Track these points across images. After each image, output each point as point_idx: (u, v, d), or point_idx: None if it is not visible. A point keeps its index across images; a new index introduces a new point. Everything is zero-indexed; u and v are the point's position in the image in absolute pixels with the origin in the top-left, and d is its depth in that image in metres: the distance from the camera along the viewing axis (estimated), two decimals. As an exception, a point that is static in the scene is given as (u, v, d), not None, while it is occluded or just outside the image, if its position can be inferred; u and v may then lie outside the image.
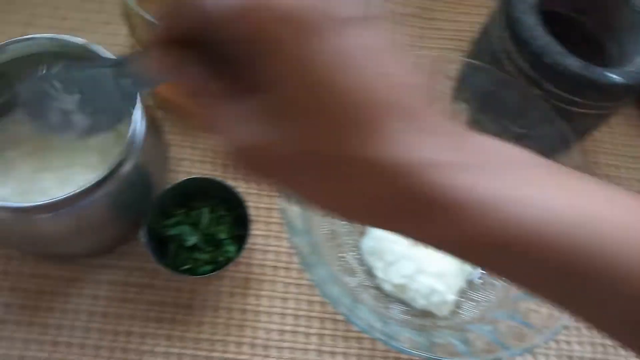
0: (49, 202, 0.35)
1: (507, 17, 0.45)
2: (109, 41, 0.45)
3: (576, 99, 0.44)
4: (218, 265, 0.43)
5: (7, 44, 0.39)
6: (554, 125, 0.44)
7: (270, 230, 0.48)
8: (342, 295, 0.40)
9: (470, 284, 0.46)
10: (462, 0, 0.61)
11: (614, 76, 0.42)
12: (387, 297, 0.45)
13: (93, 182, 0.36)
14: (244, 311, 0.45)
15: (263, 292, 0.46)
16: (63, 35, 0.40)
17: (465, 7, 0.61)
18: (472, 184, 0.19)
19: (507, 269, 0.21)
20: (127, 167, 0.38)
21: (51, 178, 0.44)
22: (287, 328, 0.45)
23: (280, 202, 0.39)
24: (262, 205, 0.49)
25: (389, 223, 0.21)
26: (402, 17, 0.59)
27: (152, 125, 0.46)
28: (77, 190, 0.35)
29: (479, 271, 0.47)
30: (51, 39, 0.40)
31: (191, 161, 0.50)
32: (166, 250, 0.44)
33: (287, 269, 0.47)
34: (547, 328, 0.38)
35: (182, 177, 0.48)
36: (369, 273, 0.46)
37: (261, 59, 0.19)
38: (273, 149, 0.20)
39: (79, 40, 0.40)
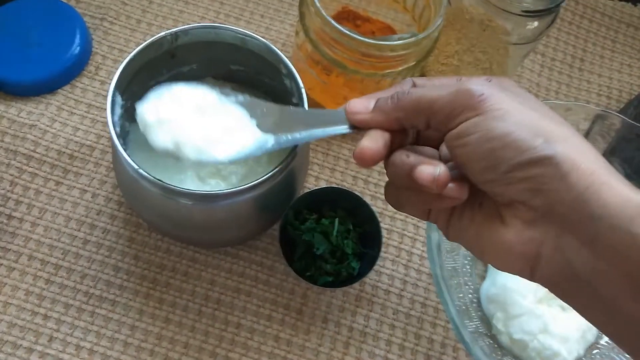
0: (201, 193, 0.36)
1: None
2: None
3: None
4: (338, 278, 0.43)
5: (191, 29, 0.40)
6: None
7: (388, 253, 0.47)
8: (467, 334, 0.39)
9: (589, 352, 0.44)
10: (615, 56, 0.59)
11: None
12: (502, 350, 0.44)
13: (255, 182, 0.36)
14: (351, 329, 0.44)
15: (373, 314, 0.45)
16: (244, 30, 0.41)
17: (618, 64, 0.58)
18: None
19: None
20: (282, 172, 0.38)
21: (190, 164, 0.45)
22: (392, 357, 0.43)
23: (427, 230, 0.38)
24: (385, 226, 0.48)
25: None
26: (552, 62, 0.57)
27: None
28: (235, 189, 0.36)
29: (599, 340, 0.44)
30: (234, 31, 0.41)
31: (321, 167, 0.49)
32: (293, 252, 0.43)
33: (399, 295, 0.46)
34: None
35: (311, 181, 0.48)
36: (486, 321, 0.45)
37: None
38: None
39: (260, 39, 0.40)
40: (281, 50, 0.40)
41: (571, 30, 0.59)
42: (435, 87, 0.27)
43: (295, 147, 0.37)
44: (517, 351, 0.43)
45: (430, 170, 0.25)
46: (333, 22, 0.41)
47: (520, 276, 0.27)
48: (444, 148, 0.29)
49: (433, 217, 0.29)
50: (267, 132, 0.31)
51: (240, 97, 0.33)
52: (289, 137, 0.30)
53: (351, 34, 0.41)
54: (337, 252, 0.43)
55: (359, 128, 0.29)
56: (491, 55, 0.51)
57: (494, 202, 0.26)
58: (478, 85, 0.25)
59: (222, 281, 0.44)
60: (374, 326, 0.44)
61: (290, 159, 0.37)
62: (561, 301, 0.44)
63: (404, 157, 0.27)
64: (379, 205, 0.48)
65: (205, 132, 0.32)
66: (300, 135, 0.30)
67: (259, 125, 0.32)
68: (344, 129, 0.29)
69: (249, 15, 0.56)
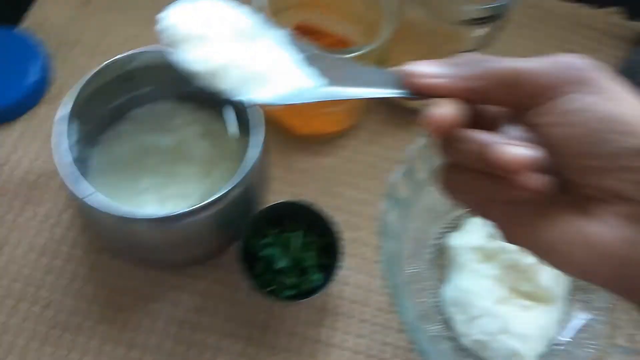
0: (156, 217, 0.36)
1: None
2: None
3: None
4: (300, 291, 0.43)
5: (145, 51, 0.41)
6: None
7: (352, 263, 0.48)
8: (425, 340, 0.39)
9: (553, 351, 0.45)
10: (594, 51, 0.60)
11: None
12: (464, 351, 0.44)
13: (205, 203, 0.36)
14: (317, 341, 0.44)
15: (338, 325, 0.45)
16: None
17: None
18: None
19: None
20: (239, 189, 0.38)
21: (151, 185, 0.45)
22: (359, 366, 0.44)
23: (378, 236, 0.39)
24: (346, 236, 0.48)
25: None
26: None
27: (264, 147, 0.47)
28: (190, 209, 0.36)
29: (562, 337, 0.45)
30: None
31: (291, 183, 0.50)
32: (253, 268, 0.44)
33: (364, 304, 0.46)
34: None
35: (273, 196, 0.49)
36: (447, 324, 0.45)
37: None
38: None
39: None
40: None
41: (528, 33, 0.60)
42: (516, 60, 0.23)
43: (253, 164, 0.37)
44: (478, 352, 0.43)
45: (519, 151, 0.21)
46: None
47: (599, 284, 0.23)
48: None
49: (491, 211, 0.25)
50: (315, 79, 0.26)
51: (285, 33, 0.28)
52: (339, 90, 0.26)
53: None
54: (298, 266, 0.44)
55: (420, 96, 0.25)
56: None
57: (578, 194, 0.22)
58: (582, 59, 0.22)
59: (186, 301, 0.45)
60: (339, 336, 0.45)
61: (246, 176, 0.38)
62: (522, 300, 0.45)
63: (476, 133, 0.23)
64: (341, 216, 0.49)
65: (249, 62, 0.27)
66: (352, 91, 0.26)
67: (304, 69, 0.27)
68: (403, 93, 0.25)
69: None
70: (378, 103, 0.55)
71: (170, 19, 0.27)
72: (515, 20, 0.60)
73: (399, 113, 0.54)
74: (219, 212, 0.39)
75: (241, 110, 0.43)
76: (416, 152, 0.43)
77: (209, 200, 0.37)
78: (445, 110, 0.23)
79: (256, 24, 0.28)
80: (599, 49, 0.60)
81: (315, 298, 0.46)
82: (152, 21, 0.27)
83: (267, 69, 0.27)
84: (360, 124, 0.53)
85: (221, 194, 0.37)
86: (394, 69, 0.26)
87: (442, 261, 0.48)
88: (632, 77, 0.44)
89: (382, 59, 0.45)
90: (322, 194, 0.50)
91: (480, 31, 0.46)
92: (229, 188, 0.37)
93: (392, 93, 0.26)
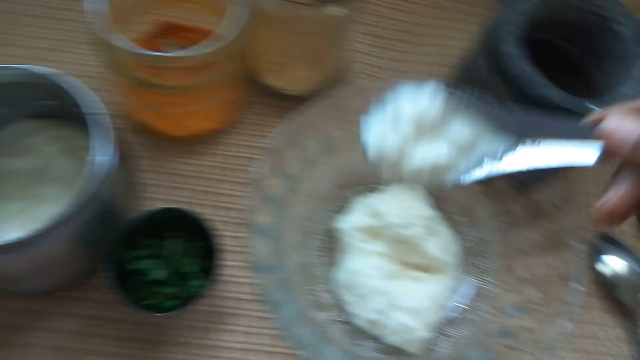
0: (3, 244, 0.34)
1: (490, 48, 0.44)
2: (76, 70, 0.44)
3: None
4: (182, 299, 0.42)
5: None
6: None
7: (234, 261, 0.46)
8: (309, 334, 0.39)
9: (448, 319, 0.45)
10: (448, 24, 0.60)
11: (592, 107, 0.41)
12: (359, 333, 0.44)
13: (52, 222, 0.34)
14: (202, 346, 0.43)
15: (225, 327, 0.44)
16: (37, 66, 0.39)
17: (452, 31, 0.59)
18: None
19: None
20: (91, 202, 0.36)
21: (9, 210, 0.43)
22: (250, 365, 0.43)
23: (247, 237, 0.38)
24: (228, 234, 0.47)
25: None
26: (390, 42, 0.58)
27: (122, 153, 0.44)
28: (34, 232, 0.34)
29: (457, 306, 0.45)
30: (24, 69, 0.39)
31: (168, 188, 0.48)
32: (128, 282, 0.42)
33: (250, 301, 0.45)
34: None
35: (158, 204, 0.47)
36: (341, 307, 0.45)
37: None
38: None
39: (50, 70, 0.39)
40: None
41: (399, 6, 0.60)
42: None
43: (100, 177, 0.36)
44: (372, 331, 0.43)
45: None
46: (130, 46, 0.39)
47: None
48: None
49: None
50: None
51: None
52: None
53: (148, 53, 0.40)
54: (178, 274, 0.42)
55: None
56: (316, 46, 0.51)
57: None
58: None
59: (68, 328, 0.42)
60: (226, 338, 0.44)
61: (96, 190, 0.36)
62: (413, 272, 0.45)
63: None
64: (220, 214, 0.48)
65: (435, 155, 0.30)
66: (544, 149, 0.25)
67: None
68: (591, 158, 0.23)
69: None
70: (259, 94, 0.53)
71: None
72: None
73: (282, 102, 0.53)
74: (75, 228, 0.37)
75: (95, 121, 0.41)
76: (283, 139, 0.42)
77: (58, 218, 0.35)
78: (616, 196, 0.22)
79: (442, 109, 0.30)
80: (475, 11, 0.60)
81: (199, 304, 0.45)
82: None
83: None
84: (242, 118, 0.52)
85: (69, 209, 0.35)
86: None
87: (332, 245, 0.47)
88: (506, 31, 0.44)
89: (241, 52, 0.44)
90: (202, 194, 0.48)
91: (338, 10, 0.45)
92: (77, 201, 0.35)
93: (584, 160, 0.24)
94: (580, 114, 0.40)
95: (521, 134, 0.26)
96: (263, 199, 0.40)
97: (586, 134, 0.24)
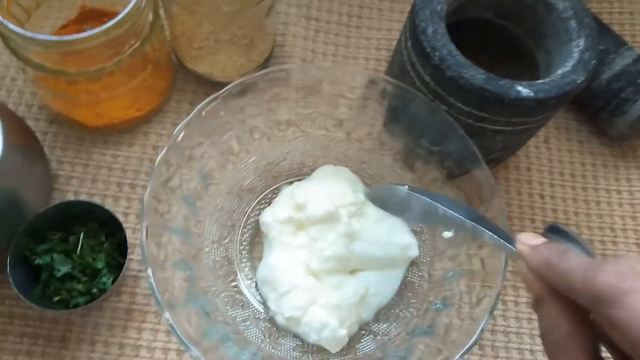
0: None
1: (411, 25, 0.41)
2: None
3: (483, 114, 0.40)
4: (94, 295, 0.40)
5: None
6: (462, 140, 0.40)
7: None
8: (213, 332, 0.37)
9: (376, 315, 0.43)
10: (394, 6, 0.57)
11: (521, 89, 0.38)
12: (280, 331, 0.42)
13: None
14: (122, 345, 0.41)
15: (146, 325, 0.42)
16: None
17: (398, 14, 0.57)
18: None
19: None
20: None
21: None
22: (169, 364, 0.41)
23: (144, 231, 0.35)
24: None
25: None
26: (328, 25, 0.56)
27: (28, 144, 0.43)
28: None
29: (383, 301, 0.43)
30: None
31: (81, 179, 0.46)
32: (36, 278, 0.40)
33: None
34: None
35: (70, 197, 0.45)
36: (264, 305, 0.43)
37: None
38: None
39: None
40: None
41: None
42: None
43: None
44: (292, 329, 0.41)
45: None
46: (25, 32, 0.37)
47: None
48: None
49: None
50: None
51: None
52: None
53: (38, 37, 0.37)
54: (88, 269, 0.40)
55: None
56: (248, 30, 0.48)
57: None
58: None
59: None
60: (148, 337, 0.42)
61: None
62: (339, 269, 0.43)
63: None
64: (135, 207, 0.46)
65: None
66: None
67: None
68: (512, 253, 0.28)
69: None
70: (186, 81, 0.51)
71: None
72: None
73: (211, 89, 0.50)
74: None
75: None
76: (193, 128, 0.40)
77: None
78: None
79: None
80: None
81: (120, 300, 0.43)
82: None
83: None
84: (166, 106, 0.50)
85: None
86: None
87: (260, 239, 0.45)
88: (426, 7, 0.41)
89: (145, 33, 0.42)
90: (117, 186, 0.46)
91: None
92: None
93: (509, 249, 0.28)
94: (501, 96, 0.38)
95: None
96: (169, 191, 0.38)
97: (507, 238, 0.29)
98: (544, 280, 0.25)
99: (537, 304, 0.26)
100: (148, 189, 0.36)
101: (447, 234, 0.42)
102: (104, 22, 0.50)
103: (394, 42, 0.55)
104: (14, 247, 0.39)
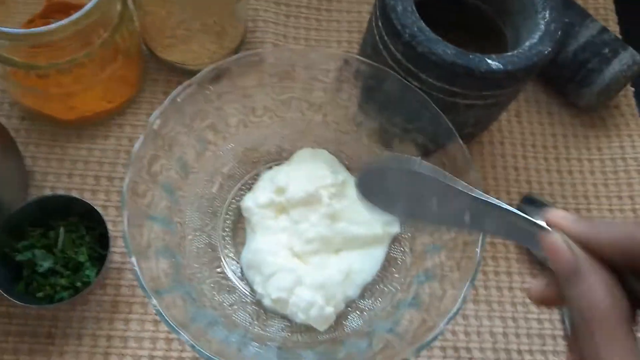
0: None
1: (381, 5, 0.42)
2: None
3: (455, 89, 0.41)
4: (77, 289, 0.40)
5: None
6: (434, 116, 0.41)
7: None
8: (200, 316, 0.37)
9: (361, 292, 0.43)
10: None
11: (492, 62, 0.39)
12: (268, 314, 0.42)
13: None
14: (110, 337, 0.41)
15: (132, 316, 0.42)
16: None
17: (367, -4, 0.57)
18: None
19: None
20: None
21: None
22: (158, 353, 0.41)
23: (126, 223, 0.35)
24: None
25: None
26: (298, 10, 0.56)
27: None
28: None
29: (367, 277, 0.44)
30: None
31: (57, 175, 0.46)
32: (18, 274, 0.40)
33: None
34: (419, 341, 0.35)
35: (47, 193, 0.45)
36: (250, 288, 0.43)
37: None
38: None
39: None
40: None
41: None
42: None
43: None
44: (280, 310, 0.41)
45: None
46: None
47: None
48: None
49: None
50: None
51: None
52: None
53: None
54: (70, 263, 0.40)
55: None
56: (219, 17, 0.48)
57: None
58: None
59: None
60: (135, 328, 0.42)
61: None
62: (323, 249, 0.43)
63: None
64: (113, 199, 0.45)
65: None
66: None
67: None
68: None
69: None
70: (158, 71, 0.51)
71: None
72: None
73: (184, 78, 0.50)
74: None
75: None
76: (167, 117, 0.40)
77: None
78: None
79: None
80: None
81: (105, 293, 0.43)
82: None
83: None
84: (138, 98, 0.49)
85: None
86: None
87: (242, 225, 0.46)
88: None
89: (114, 23, 0.41)
90: (94, 179, 0.46)
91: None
92: None
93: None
94: (472, 69, 0.39)
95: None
96: (148, 180, 0.38)
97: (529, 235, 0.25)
98: (589, 246, 0.24)
99: (569, 282, 0.24)
100: (127, 179, 0.36)
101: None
102: (71, 15, 0.50)
103: (365, 24, 0.55)
104: (-7, 245, 0.39)
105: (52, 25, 0.37)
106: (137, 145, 0.37)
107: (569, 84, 0.52)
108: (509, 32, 0.47)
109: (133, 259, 0.34)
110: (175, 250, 0.40)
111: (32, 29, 0.37)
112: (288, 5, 0.56)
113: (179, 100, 0.39)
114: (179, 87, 0.39)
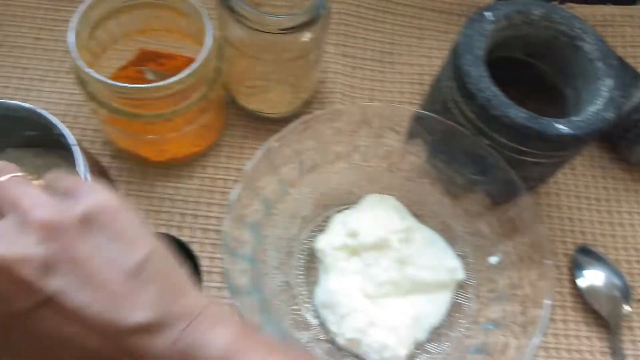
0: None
1: (454, 68, 0.45)
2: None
3: (525, 149, 0.44)
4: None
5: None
6: (504, 172, 0.44)
7: (212, 282, 0.47)
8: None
9: (427, 335, 0.46)
10: (422, 43, 0.61)
11: (561, 127, 0.42)
12: (341, 352, 0.45)
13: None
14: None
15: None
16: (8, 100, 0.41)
17: (426, 50, 0.61)
18: None
19: None
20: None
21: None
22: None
23: (225, 262, 0.39)
24: (206, 255, 0.48)
25: None
26: (363, 62, 0.60)
27: (101, 181, 0.46)
28: None
29: (436, 321, 0.46)
30: (7, 104, 0.41)
31: (146, 211, 0.49)
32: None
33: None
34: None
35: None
36: (323, 326, 0.46)
37: None
38: None
39: (25, 105, 0.40)
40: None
41: (377, 27, 0.61)
42: None
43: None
44: (353, 350, 0.44)
45: None
46: (108, 80, 0.41)
47: None
48: None
49: None
50: None
51: None
52: None
53: (128, 86, 0.41)
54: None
55: None
56: (293, 70, 0.52)
57: None
58: None
59: None
60: None
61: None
62: (393, 292, 0.46)
63: None
64: (197, 236, 0.49)
65: None
66: None
67: None
68: None
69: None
70: (238, 116, 0.55)
71: None
72: (363, 15, 0.62)
73: (261, 124, 0.54)
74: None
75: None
76: (259, 163, 0.43)
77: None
78: None
79: None
80: (451, 26, 0.62)
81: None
82: None
83: None
84: (220, 141, 0.53)
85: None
86: None
87: (315, 264, 0.49)
88: (469, 52, 0.45)
89: (212, 79, 0.45)
90: (180, 217, 0.49)
91: (306, 35, 0.46)
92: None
93: None
94: (543, 133, 0.42)
95: None
96: (241, 222, 0.42)
97: None
98: None
99: None
100: (226, 225, 0.39)
101: (493, 259, 0.45)
102: (161, 64, 0.54)
103: (425, 77, 0.59)
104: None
105: (166, 82, 0.41)
106: (234, 193, 0.41)
107: (622, 140, 0.55)
108: (569, 92, 0.50)
109: (235, 301, 0.37)
110: (260, 288, 0.43)
111: (147, 85, 0.41)
112: (354, 58, 0.59)
113: (269, 149, 0.43)
114: (272, 140, 0.43)
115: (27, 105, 0.41)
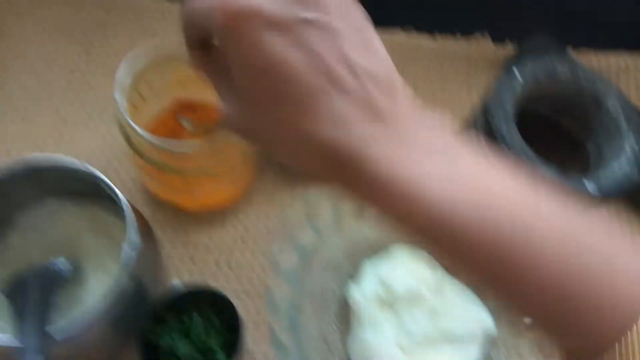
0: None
1: (485, 122, 0.47)
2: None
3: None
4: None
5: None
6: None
7: (257, 336, 0.48)
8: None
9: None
10: (448, 96, 0.62)
11: (587, 185, 0.44)
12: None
13: (95, 312, 0.37)
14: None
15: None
16: (62, 156, 0.42)
17: (449, 95, 0.63)
18: (400, 161, 0.23)
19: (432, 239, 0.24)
20: (122, 287, 0.39)
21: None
22: None
23: (268, 315, 0.40)
24: (241, 305, 0.49)
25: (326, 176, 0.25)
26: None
27: (145, 231, 0.47)
28: (79, 322, 0.36)
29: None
30: (48, 159, 0.42)
31: (181, 258, 0.50)
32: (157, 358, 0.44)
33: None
34: None
35: (172, 277, 0.49)
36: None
37: (226, 48, 0.24)
38: (238, 121, 0.26)
39: (77, 163, 0.42)
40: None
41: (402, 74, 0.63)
42: None
43: (130, 265, 0.39)
44: (389, 400, 0.45)
45: None
46: (149, 137, 0.42)
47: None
48: None
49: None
50: None
51: None
52: None
53: (162, 144, 0.42)
54: (202, 349, 0.44)
55: None
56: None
57: None
58: None
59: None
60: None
61: (123, 280, 0.38)
62: (425, 343, 0.47)
63: None
64: (242, 286, 0.50)
65: None
66: None
67: None
68: None
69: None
70: (270, 163, 0.56)
71: None
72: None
73: (290, 171, 0.55)
74: (112, 317, 0.39)
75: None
76: (296, 213, 0.45)
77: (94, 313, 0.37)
78: None
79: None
80: (472, 73, 0.64)
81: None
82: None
83: None
84: (253, 189, 0.55)
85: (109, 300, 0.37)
86: None
87: (347, 313, 0.50)
88: (499, 108, 0.47)
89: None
90: (215, 266, 0.50)
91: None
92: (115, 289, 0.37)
93: None
94: (574, 189, 0.44)
95: None
96: (279, 273, 0.43)
97: None
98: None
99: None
100: (272, 281, 0.40)
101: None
102: (195, 112, 0.55)
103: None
104: (140, 332, 0.42)
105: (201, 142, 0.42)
106: (275, 246, 0.42)
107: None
108: (592, 147, 0.52)
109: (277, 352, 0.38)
110: (299, 340, 0.44)
111: (191, 144, 0.42)
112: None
113: (305, 199, 0.45)
114: (308, 192, 0.44)
115: (70, 159, 0.42)
